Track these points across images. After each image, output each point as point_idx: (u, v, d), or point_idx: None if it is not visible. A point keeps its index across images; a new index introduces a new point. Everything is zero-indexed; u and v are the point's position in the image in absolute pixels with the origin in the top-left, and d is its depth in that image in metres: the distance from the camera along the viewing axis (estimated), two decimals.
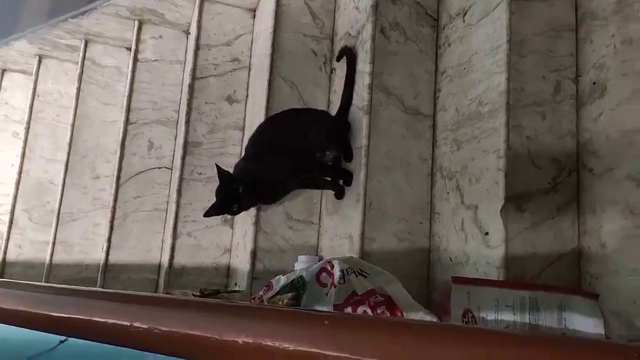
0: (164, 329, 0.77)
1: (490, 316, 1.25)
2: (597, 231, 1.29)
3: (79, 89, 2.42)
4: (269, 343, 0.67)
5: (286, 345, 0.66)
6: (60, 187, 2.35)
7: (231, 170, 1.57)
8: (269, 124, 1.70)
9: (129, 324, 0.81)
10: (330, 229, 1.76)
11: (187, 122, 2.06)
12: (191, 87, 2.09)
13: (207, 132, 2.08)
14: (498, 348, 0.51)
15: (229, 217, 2.02)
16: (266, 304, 1.33)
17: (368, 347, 0.61)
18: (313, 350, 0.64)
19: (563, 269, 1.33)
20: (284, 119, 1.68)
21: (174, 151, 2.24)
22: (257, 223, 1.76)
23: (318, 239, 1.83)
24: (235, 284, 1.86)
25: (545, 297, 1.25)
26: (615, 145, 1.26)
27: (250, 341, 0.69)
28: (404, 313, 1.37)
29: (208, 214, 1.50)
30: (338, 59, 1.81)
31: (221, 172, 1.50)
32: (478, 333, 0.58)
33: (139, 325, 0.80)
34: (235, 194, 1.47)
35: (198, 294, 1.13)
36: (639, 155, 1.20)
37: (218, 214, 1.53)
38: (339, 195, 1.68)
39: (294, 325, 0.68)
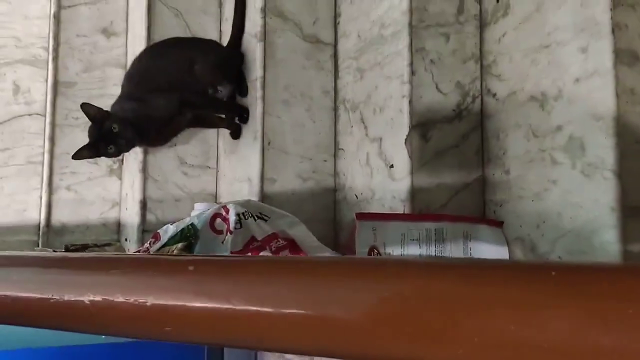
0: None
1: (397, 251, 1.19)
2: (500, 158, 1.25)
3: None
4: (122, 299, 0.53)
5: (142, 300, 0.52)
6: None
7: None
8: (147, 56, 1.48)
9: None
10: (229, 173, 1.61)
11: (56, 58, 1.78)
12: (57, 17, 1.80)
13: (81, 70, 1.81)
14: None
15: (114, 166, 1.80)
16: None
17: (242, 293, 0.49)
18: (176, 303, 0.51)
19: (468, 198, 1.28)
20: (164, 50, 1.47)
21: (46, 94, 1.94)
22: (144, 170, 1.57)
23: (217, 185, 1.68)
24: (126, 239, 1.68)
25: (450, 228, 1.21)
26: (519, 66, 1.21)
27: (99, 299, 0.54)
28: (309, 255, 1.28)
29: (77, 155, 1.30)
30: None
31: (88, 111, 1.29)
32: (359, 264, 0.48)
33: None
34: (109, 133, 1.27)
35: (62, 251, 0.96)
36: (542, 75, 1.15)
37: (91, 157, 1.33)
38: (235, 134, 1.52)
39: (151, 275, 0.54)
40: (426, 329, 0.43)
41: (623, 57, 1.03)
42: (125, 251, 1.13)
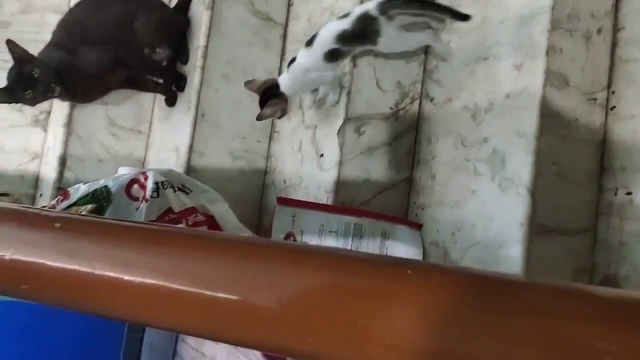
0: None
1: (313, 240, 1.18)
2: (429, 162, 1.26)
3: None
4: None
5: (1, 253, 0.49)
6: None
7: None
8: (86, 5, 1.40)
9: None
10: (159, 140, 1.56)
11: None
12: None
13: (18, 11, 1.70)
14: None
15: (40, 116, 1.70)
16: None
17: (106, 258, 0.46)
18: (35, 260, 0.48)
19: (393, 197, 1.29)
20: (104, 3, 1.39)
21: None
22: (69, 125, 1.49)
23: (146, 151, 1.62)
24: (41, 195, 1.59)
25: (370, 224, 1.21)
26: (458, 75, 1.22)
27: None
28: (202, 230, 1.25)
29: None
30: None
31: (13, 50, 1.20)
32: (241, 242, 0.46)
33: None
34: (29, 77, 1.19)
35: None
36: (477, 87, 1.16)
37: (7, 101, 1.25)
38: (170, 101, 1.47)
39: (15, 227, 0.50)
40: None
41: (553, 79, 1.06)
42: (22, 204, 1.06)
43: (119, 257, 0.46)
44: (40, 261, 0.48)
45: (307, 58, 1.16)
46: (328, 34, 1.12)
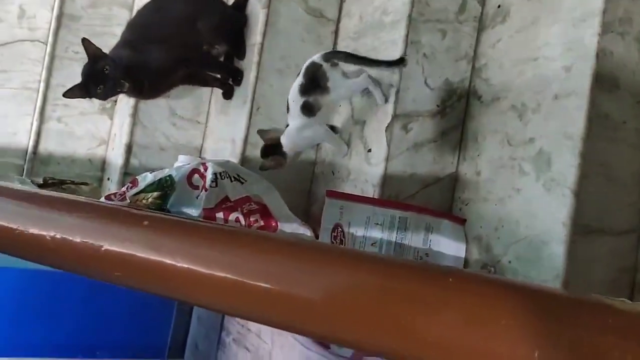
0: None
1: (360, 232, 1.24)
2: (474, 159, 1.30)
3: None
4: (79, 240, 0.58)
5: (98, 244, 0.58)
6: None
7: None
8: (151, 7, 1.49)
9: None
10: (216, 131, 1.65)
11: None
12: None
13: (87, 5, 1.82)
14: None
15: (107, 105, 1.83)
16: (128, 201, 1.22)
17: (186, 254, 0.54)
18: (126, 251, 0.56)
19: (437, 192, 1.33)
20: (170, 4, 1.48)
21: (50, 23, 1.95)
22: (135, 115, 1.60)
23: (203, 140, 1.72)
24: (108, 179, 1.72)
25: (415, 218, 1.26)
26: (506, 75, 1.24)
27: (59, 237, 0.59)
28: (278, 223, 1.33)
29: (69, 93, 1.33)
30: None
31: (88, 47, 1.31)
32: (303, 248, 0.53)
33: None
34: (101, 73, 1.30)
35: (40, 182, 1.00)
36: (526, 87, 1.18)
37: (82, 96, 1.35)
38: (227, 95, 1.55)
39: (110, 223, 0.59)
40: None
41: (603, 82, 1.07)
42: (100, 193, 1.17)
43: (198, 253, 0.54)
44: (131, 253, 0.56)
45: (292, 120, 1.29)
46: (293, 92, 1.25)
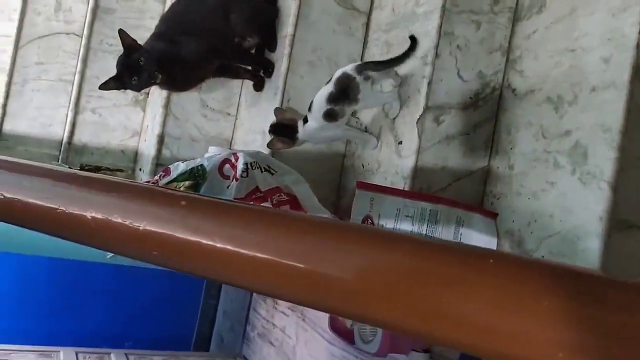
0: (7, 195, 0.67)
1: (390, 224, 1.24)
2: (507, 152, 1.28)
3: None
4: (119, 220, 0.60)
5: (137, 224, 0.59)
6: None
7: None
8: (185, 0, 1.51)
9: None
10: (247, 123, 1.67)
11: None
12: None
13: None
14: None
15: (140, 97, 1.86)
16: None
17: (224, 234, 0.55)
18: (164, 231, 0.57)
19: (469, 185, 1.32)
20: None
21: (85, 17, 1.99)
22: (167, 106, 1.63)
23: (233, 132, 1.74)
24: (140, 169, 1.76)
25: (445, 211, 1.25)
26: (542, 66, 1.22)
27: (99, 217, 0.61)
28: (301, 213, 1.34)
29: (105, 85, 1.36)
30: None
31: (124, 38, 1.33)
32: (340, 229, 0.53)
33: None
34: (135, 64, 1.32)
35: (77, 169, 1.02)
36: (562, 78, 1.16)
37: (117, 88, 1.38)
38: (258, 86, 1.56)
39: (148, 203, 0.60)
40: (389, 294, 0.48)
41: None
42: (134, 179, 1.19)
43: (235, 233, 0.55)
44: (169, 232, 0.57)
45: (312, 121, 1.31)
46: (321, 97, 1.27)
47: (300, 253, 0.52)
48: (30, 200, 0.65)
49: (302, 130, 1.33)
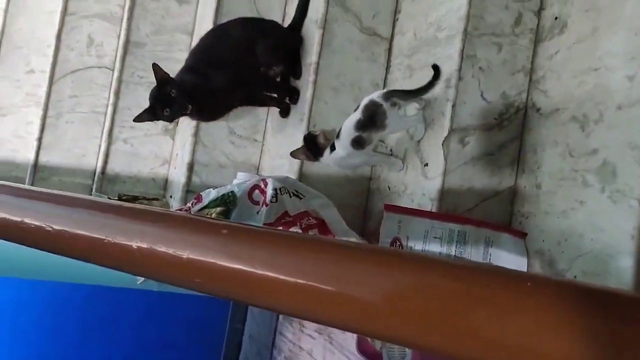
0: (56, 227, 0.71)
1: (418, 246, 1.24)
2: (534, 171, 1.28)
3: None
4: (163, 249, 0.62)
5: (180, 253, 0.61)
6: None
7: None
8: (212, 34, 1.57)
9: (20, 219, 0.75)
10: (273, 148, 1.70)
11: (130, 18, 1.90)
12: None
13: (151, 32, 1.93)
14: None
15: (170, 126, 1.92)
16: None
17: (265, 261, 0.57)
18: (207, 259, 0.60)
19: (496, 206, 1.32)
20: (229, 30, 1.55)
21: (117, 50, 2.08)
22: (196, 135, 1.68)
23: (260, 158, 1.77)
24: (171, 196, 1.80)
25: (474, 232, 1.25)
26: (566, 86, 1.23)
27: (144, 246, 0.64)
28: (336, 238, 1.35)
29: (139, 118, 1.41)
30: None
31: (157, 71, 1.39)
32: (377, 253, 0.55)
33: (31, 222, 0.74)
34: (167, 97, 1.37)
35: (115, 198, 1.06)
36: (587, 97, 1.16)
37: (150, 120, 1.43)
38: (284, 113, 1.60)
39: (190, 232, 0.63)
40: (422, 317, 0.49)
41: None
42: (169, 207, 1.23)
43: (274, 259, 0.57)
44: (211, 260, 0.60)
45: (340, 149, 1.32)
46: (349, 124, 1.28)
47: (337, 277, 0.54)
48: (79, 232, 0.68)
49: (328, 155, 1.35)
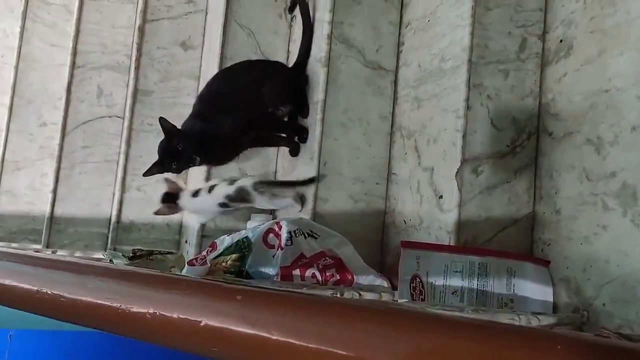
0: (69, 296, 0.70)
1: (439, 281, 1.22)
2: (552, 197, 1.25)
3: (22, 27, 2.24)
4: (177, 317, 0.61)
5: (196, 319, 0.60)
6: (4, 134, 2.20)
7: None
8: (218, 79, 1.58)
9: (35, 289, 0.74)
10: None
11: (137, 68, 1.93)
12: (141, 30, 1.95)
13: (159, 79, 1.95)
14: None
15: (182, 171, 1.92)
16: (209, 265, 1.27)
17: (281, 326, 0.55)
18: (223, 325, 0.58)
19: (516, 234, 1.29)
20: (235, 74, 1.56)
21: (126, 99, 2.10)
22: (208, 179, 1.67)
23: None
24: (186, 242, 1.79)
25: (495, 263, 1.22)
26: (577, 108, 1.21)
27: (158, 314, 0.62)
28: (354, 276, 1.33)
29: (148, 172, 1.42)
30: (291, 10, 1.70)
31: (164, 126, 1.40)
32: (394, 314, 0.53)
33: (46, 291, 0.73)
34: (174, 150, 1.38)
35: (130, 254, 1.06)
36: (600, 119, 1.14)
37: (159, 172, 1.44)
38: (294, 152, 1.60)
39: (205, 298, 0.61)
40: None
41: None
42: (185, 259, 1.22)
43: (291, 324, 0.55)
44: (227, 327, 0.58)
45: (206, 199, 1.49)
46: (220, 191, 1.47)
47: (355, 342, 0.52)
48: (93, 301, 0.67)
49: (189, 201, 1.52)
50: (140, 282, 0.66)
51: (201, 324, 0.59)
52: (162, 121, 1.40)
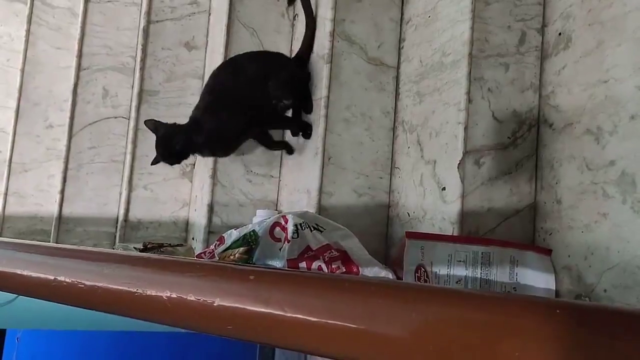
0: (87, 283, 0.73)
1: (443, 271, 1.24)
2: (553, 187, 1.28)
3: (28, 31, 2.27)
4: (193, 298, 0.64)
5: (210, 301, 0.63)
6: (11, 136, 2.23)
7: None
8: (224, 71, 1.60)
9: (52, 277, 0.77)
10: (290, 183, 1.72)
11: (142, 68, 1.96)
12: (146, 31, 1.98)
13: (164, 80, 1.98)
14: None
15: (187, 169, 1.95)
16: (217, 258, 1.29)
17: (293, 303, 0.58)
18: (237, 305, 0.61)
19: (518, 224, 1.31)
20: (240, 66, 1.58)
21: (131, 100, 2.13)
22: (214, 176, 1.70)
23: (278, 193, 1.79)
24: (193, 238, 1.82)
25: (498, 252, 1.25)
26: (577, 99, 1.23)
27: (174, 296, 0.65)
28: (359, 268, 1.35)
29: (155, 161, 1.46)
30: (290, 2, 1.73)
31: (150, 127, 1.45)
32: (402, 289, 0.55)
33: (63, 279, 0.76)
34: (172, 148, 1.43)
35: (141, 247, 1.09)
36: (599, 109, 1.17)
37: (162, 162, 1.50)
38: (289, 152, 1.64)
39: (218, 280, 0.64)
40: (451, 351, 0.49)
41: None
42: (194, 252, 1.25)
43: (303, 301, 0.58)
44: (241, 306, 0.61)
45: None
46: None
47: (365, 315, 0.55)
48: (111, 286, 0.70)
49: None
50: (155, 267, 0.69)
51: (215, 304, 0.61)
52: (148, 123, 1.45)
